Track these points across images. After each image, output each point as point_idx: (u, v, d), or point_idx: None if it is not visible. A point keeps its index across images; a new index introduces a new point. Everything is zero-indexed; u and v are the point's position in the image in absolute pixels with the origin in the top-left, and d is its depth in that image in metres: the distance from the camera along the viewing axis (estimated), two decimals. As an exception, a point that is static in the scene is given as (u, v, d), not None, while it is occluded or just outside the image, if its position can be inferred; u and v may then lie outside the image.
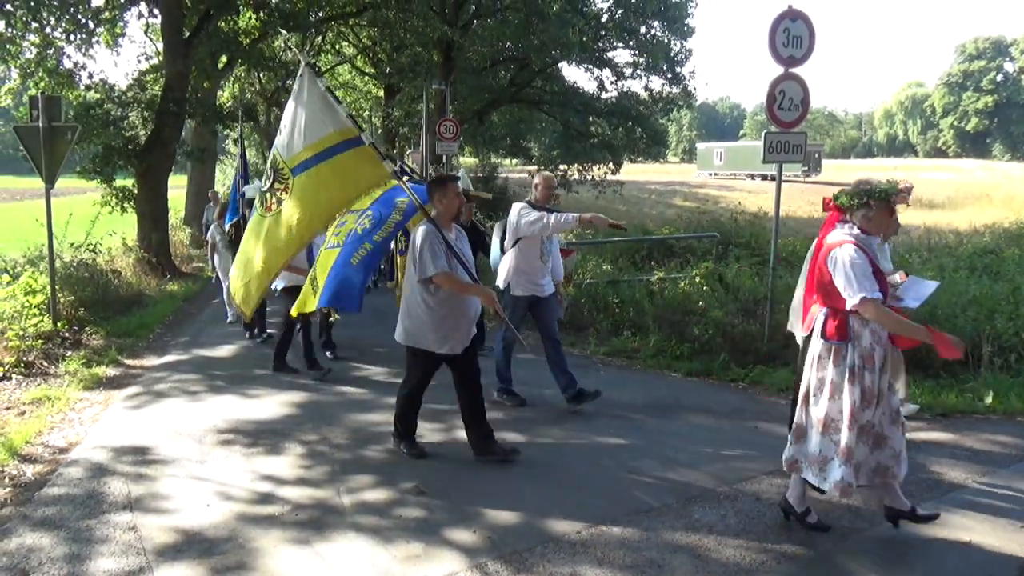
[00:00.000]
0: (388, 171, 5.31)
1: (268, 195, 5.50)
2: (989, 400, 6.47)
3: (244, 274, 5.62)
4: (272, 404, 6.88)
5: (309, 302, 5.41)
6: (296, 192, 5.34)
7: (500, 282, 6.66)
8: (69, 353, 8.75)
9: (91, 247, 13.17)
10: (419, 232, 5.17)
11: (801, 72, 8.02)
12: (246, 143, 36.51)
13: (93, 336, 9.68)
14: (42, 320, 9.17)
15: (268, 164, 5.65)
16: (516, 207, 6.43)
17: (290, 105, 5.54)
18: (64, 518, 4.55)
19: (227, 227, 10.26)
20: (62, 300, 10.00)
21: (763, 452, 5.52)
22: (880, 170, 48.80)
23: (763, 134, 8.30)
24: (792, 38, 7.90)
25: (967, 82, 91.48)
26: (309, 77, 5.38)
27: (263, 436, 5.99)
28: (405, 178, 5.70)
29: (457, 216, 5.52)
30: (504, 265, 6.63)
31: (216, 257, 10.74)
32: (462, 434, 5.98)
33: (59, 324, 9.50)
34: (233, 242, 9.22)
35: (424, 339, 5.26)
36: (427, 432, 6.04)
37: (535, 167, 27.62)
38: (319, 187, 5.33)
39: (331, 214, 5.44)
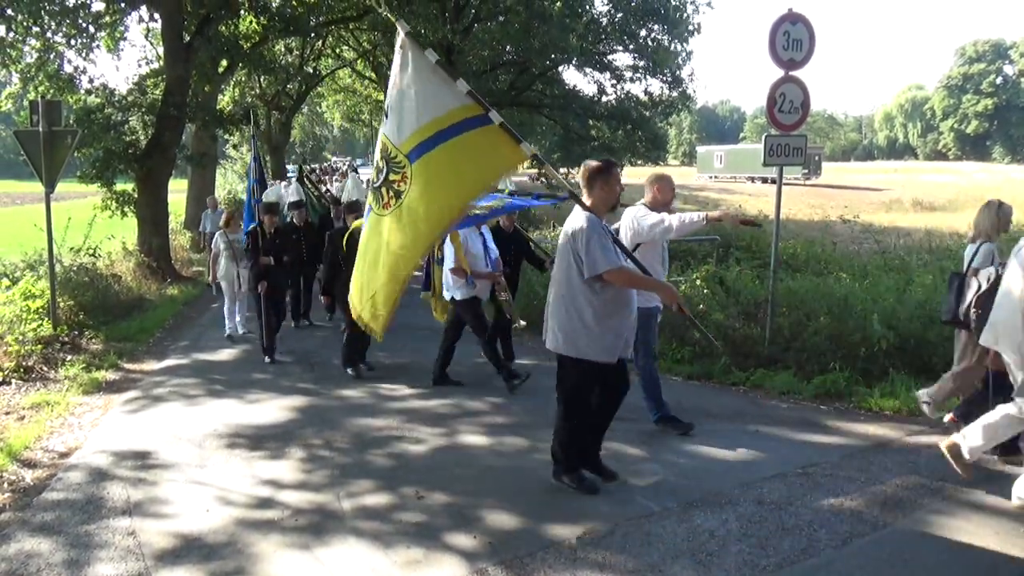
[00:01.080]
0: (527, 153, 4.63)
1: (384, 190, 4.80)
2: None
3: (367, 287, 4.90)
4: (272, 408, 6.86)
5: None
6: (418, 180, 4.65)
7: (644, 302, 5.73)
8: (69, 358, 8.74)
9: (91, 251, 13.16)
10: (578, 224, 4.56)
11: (801, 75, 8.01)
12: (246, 147, 36.51)
13: (93, 340, 9.67)
14: (42, 325, 9.17)
15: (377, 155, 4.96)
16: (630, 211, 5.75)
17: (393, 82, 4.88)
18: (63, 523, 4.54)
19: (244, 235, 9.71)
20: (62, 305, 9.99)
21: (764, 456, 5.51)
22: (881, 172, 48.81)
23: (763, 137, 8.29)
24: (792, 41, 7.88)
25: (967, 85, 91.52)
26: (413, 49, 4.72)
27: (263, 440, 5.98)
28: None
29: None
30: None
31: (220, 266, 10.00)
32: (464, 438, 5.98)
33: (59, 329, 9.49)
34: (251, 251, 8.84)
35: (587, 347, 4.62)
36: (428, 436, 6.03)
37: (534, 171, 27.59)
38: (446, 170, 4.63)
39: (465, 201, 4.80)
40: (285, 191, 12.85)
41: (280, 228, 9.29)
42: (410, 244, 4.71)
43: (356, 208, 8.08)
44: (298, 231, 10.29)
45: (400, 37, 4.76)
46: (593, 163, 4.84)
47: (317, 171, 39.49)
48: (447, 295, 7.57)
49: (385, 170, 4.79)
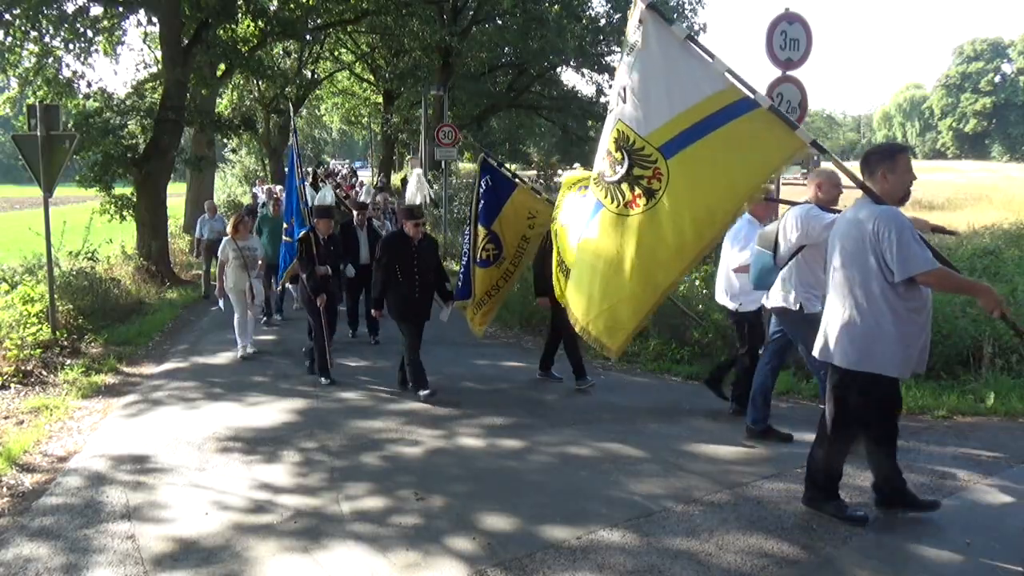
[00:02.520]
0: (805, 141, 4.07)
1: (626, 187, 4.23)
2: (991, 402, 6.45)
3: (602, 296, 4.36)
4: (271, 411, 6.85)
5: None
6: (678, 179, 4.09)
7: (780, 301, 5.43)
8: (68, 362, 8.73)
9: (90, 255, 13.16)
10: (879, 219, 3.92)
11: (799, 75, 8.02)
12: (244, 151, 36.48)
13: (92, 344, 9.66)
14: (40, 329, 9.16)
15: (609, 144, 4.36)
16: (795, 211, 5.10)
17: (633, 64, 4.28)
18: (62, 528, 4.53)
19: (296, 241, 8.30)
20: (61, 309, 9.99)
21: (764, 456, 5.50)
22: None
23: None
24: (789, 40, 7.89)
25: (965, 84, 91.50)
26: (656, 25, 4.16)
27: (262, 444, 5.97)
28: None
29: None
30: (787, 280, 5.36)
31: (228, 277, 8.96)
32: (462, 440, 5.97)
33: (58, 333, 9.48)
34: (304, 259, 7.78)
35: (887, 361, 4.03)
36: (427, 438, 6.02)
37: (534, 172, 27.61)
38: (711, 167, 4.06)
39: (738, 203, 4.22)
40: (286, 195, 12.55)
41: (334, 235, 8.42)
42: (674, 251, 4.15)
43: (416, 214, 7.32)
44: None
45: (638, 10, 4.19)
46: (878, 148, 4.22)
47: (320, 174, 39.54)
48: (731, 305, 6.25)
49: (627, 163, 4.19)
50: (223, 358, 9.11)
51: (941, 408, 6.42)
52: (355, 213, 10.28)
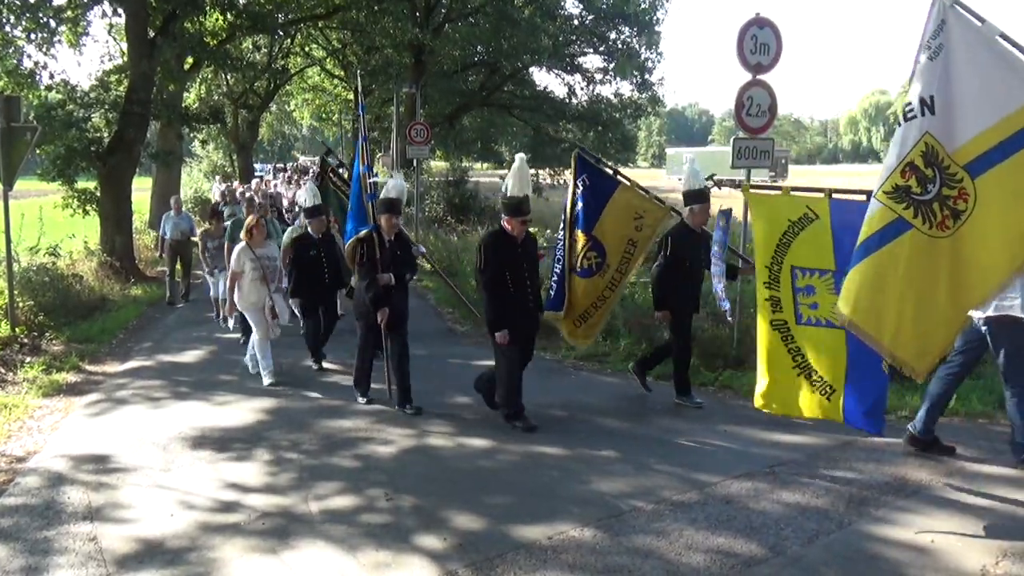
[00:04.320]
0: None
1: (937, 206, 3.94)
2: (952, 403, 6.57)
3: (916, 320, 4.11)
4: (240, 410, 6.76)
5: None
6: (988, 202, 3.85)
7: (1005, 309, 5.01)
8: (28, 359, 8.53)
9: (51, 250, 12.86)
10: None
11: (768, 79, 8.12)
12: (212, 145, 35.97)
13: (53, 342, 9.45)
14: None
15: (915, 158, 3.99)
16: None
17: (936, 70, 3.93)
18: (21, 529, 4.43)
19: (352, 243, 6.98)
20: (21, 305, 9.75)
21: (733, 456, 5.56)
22: (845, 176, 49.72)
23: (732, 140, 8.38)
24: (760, 45, 7.98)
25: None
26: (961, 25, 3.80)
27: (230, 443, 5.88)
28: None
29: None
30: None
31: (242, 291, 7.58)
32: (432, 440, 5.95)
33: (17, 329, 9.26)
34: (365, 265, 6.53)
35: None
36: (397, 437, 5.98)
37: (506, 171, 27.58)
38: (1016, 194, 3.74)
39: None
40: (285, 190, 10.89)
41: (401, 234, 6.88)
42: (985, 273, 3.96)
43: (523, 209, 6.08)
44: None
45: (938, 9, 3.87)
46: None
47: (289, 170, 39.05)
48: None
49: (938, 182, 3.90)
50: (189, 356, 8.96)
51: (904, 408, 6.52)
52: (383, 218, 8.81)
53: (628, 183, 6.88)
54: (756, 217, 5.39)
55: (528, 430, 6.04)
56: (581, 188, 6.77)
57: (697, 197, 6.63)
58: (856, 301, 4.16)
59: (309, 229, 8.07)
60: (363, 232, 6.72)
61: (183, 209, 13.12)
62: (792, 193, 5.42)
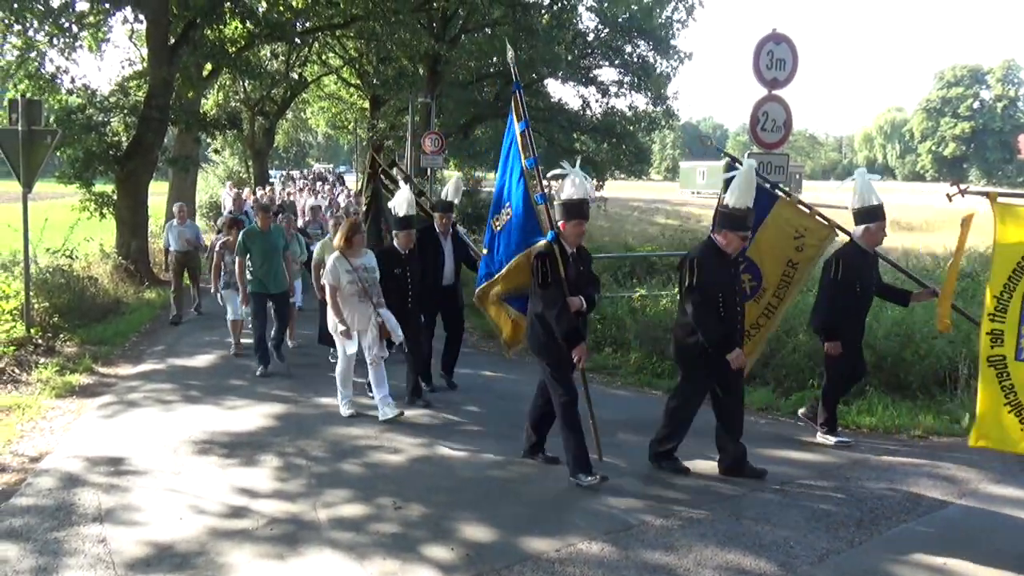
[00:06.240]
0: None
1: None
2: (966, 422, 6.51)
3: None
4: (249, 415, 6.78)
5: None
6: None
7: None
8: (42, 360, 8.60)
9: (68, 253, 12.96)
10: None
11: (784, 94, 8.12)
12: (228, 152, 36.18)
13: (67, 343, 9.52)
14: (15, 326, 9.02)
15: None
16: None
17: None
18: (32, 529, 4.45)
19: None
20: (36, 306, 9.84)
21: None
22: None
23: (746, 155, 8.37)
24: (776, 60, 7.99)
25: (945, 108, 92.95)
26: None
27: (239, 448, 5.90)
28: None
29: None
30: None
31: (342, 313, 6.58)
32: (442, 448, 5.95)
33: (32, 331, 9.34)
34: (554, 287, 5.16)
35: None
36: (407, 446, 5.98)
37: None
38: None
39: None
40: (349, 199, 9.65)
41: (582, 247, 5.59)
42: None
43: (746, 224, 5.27)
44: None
45: None
46: None
47: (298, 179, 39.20)
48: None
49: None
50: (201, 360, 9.01)
51: (917, 428, 6.49)
52: (436, 216, 7.77)
53: (788, 197, 6.29)
54: (1003, 234, 4.79)
55: (680, 472, 5.44)
56: None
57: (872, 214, 5.92)
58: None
59: (396, 243, 7.03)
60: (541, 243, 5.45)
61: (187, 219, 11.87)
62: None
